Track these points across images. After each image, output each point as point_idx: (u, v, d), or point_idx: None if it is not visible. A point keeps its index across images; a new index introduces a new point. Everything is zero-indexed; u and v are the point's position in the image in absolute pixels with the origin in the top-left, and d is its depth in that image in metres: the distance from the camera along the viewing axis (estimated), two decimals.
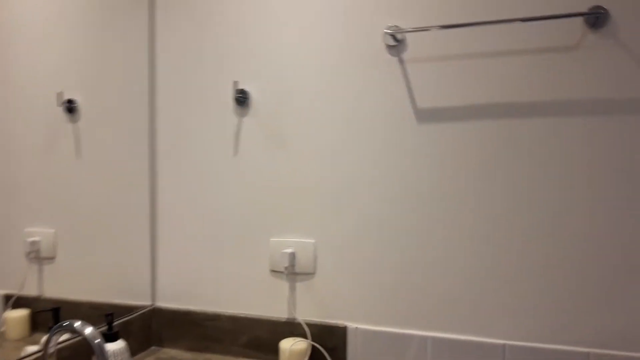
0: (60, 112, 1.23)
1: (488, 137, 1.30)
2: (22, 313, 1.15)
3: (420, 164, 1.35)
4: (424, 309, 1.37)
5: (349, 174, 1.41)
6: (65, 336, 1.26)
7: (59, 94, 1.23)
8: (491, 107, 1.30)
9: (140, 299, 1.54)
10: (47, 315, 1.21)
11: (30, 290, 1.16)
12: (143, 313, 1.53)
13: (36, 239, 1.17)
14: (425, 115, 1.35)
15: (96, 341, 1.02)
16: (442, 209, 1.35)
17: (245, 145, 1.50)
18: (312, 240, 1.45)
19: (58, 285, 1.23)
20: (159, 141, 1.58)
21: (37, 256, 1.18)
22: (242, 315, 1.50)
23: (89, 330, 1.03)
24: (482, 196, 1.32)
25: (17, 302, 1.13)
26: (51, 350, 1.10)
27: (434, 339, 1.35)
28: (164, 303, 1.59)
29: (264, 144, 1.48)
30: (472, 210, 1.32)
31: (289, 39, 1.45)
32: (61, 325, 1.05)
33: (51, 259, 1.21)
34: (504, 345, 1.30)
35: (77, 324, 1.04)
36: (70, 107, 1.26)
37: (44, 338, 1.20)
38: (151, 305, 1.58)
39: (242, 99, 1.48)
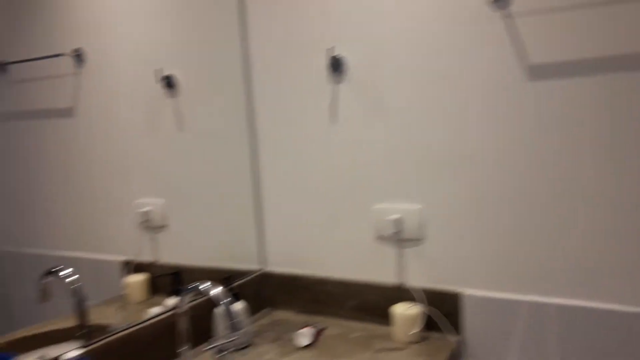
0: (159, 88, 1.29)
1: (608, 92, 1.12)
2: (141, 277, 1.24)
3: (532, 124, 1.21)
4: (544, 274, 1.24)
5: (455, 137, 1.31)
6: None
7: (157, 71, 1.28)
8: (609, 59, 1.11)
9: (250, 264, 1.59)
10: (165, 279, 1.30)
11: (146, 257, 1.25)
12: (254, 277, 1.59)
13: (147, 209, 1.26)
14: (536, 72, 1.19)
15: (224, 301, 1.07)
16: (559, 168, 1.20)
17: (344, 111, 1.45)
18: (419, 206, 1.38)
19: (171, 252, 1.32)
20: (257, 110, 1.59)
21: (150, 225, 1.26)
22: (350, 280, 1.49)
23: (217, 291, 1.08)
24: (605, 154, 1.14)
25: (135, 267, 1.22)
26: (183, 309, 1.19)
27: (556, 306, 1.22)
28: (273, 267, 1.63)
29: (363, 109, 1.42)
30: (594, 169, 1.16)
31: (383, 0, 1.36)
32: (191, 287, 1.13)
33: (163, 227, 1.30)
34: (637, 314, 1.14)
35: (205, 285, 1.10)
36: (169, 83, 1.31)
37: (169, 300, 1.30)
38: (261, 270, 1.63)
39: (336, 65, 1.43)
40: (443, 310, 1.35)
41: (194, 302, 1.35)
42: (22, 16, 1.01)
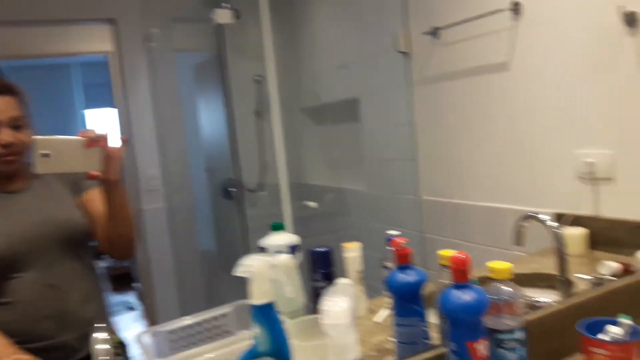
0: (617, 27, 1.14)
1: None
2: (580, 231, 1.18)
3: None
4: None
5: None
6: None
7: (619, 7, 1.14)
8: None
9: None
10: (608, 234, 1.15)
11: (585, 211, 1.17)
12: None
13: (590, 160, 1.16)
14: None
15: None
16: None
17: None
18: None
19: (617, 206, 1.16)
20: None
21: (593, 177, 1.16)
22: None
23: None
24: None
25: (571, 221, 1.17)
26: None
27: None
28: None
29: None
30: None
31: None
32: None
33: (608, 179, 1.16)
34: None
35: None
36: (631, 20, 1.14)
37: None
38: None
39: None
40: None
41: None
42: None
